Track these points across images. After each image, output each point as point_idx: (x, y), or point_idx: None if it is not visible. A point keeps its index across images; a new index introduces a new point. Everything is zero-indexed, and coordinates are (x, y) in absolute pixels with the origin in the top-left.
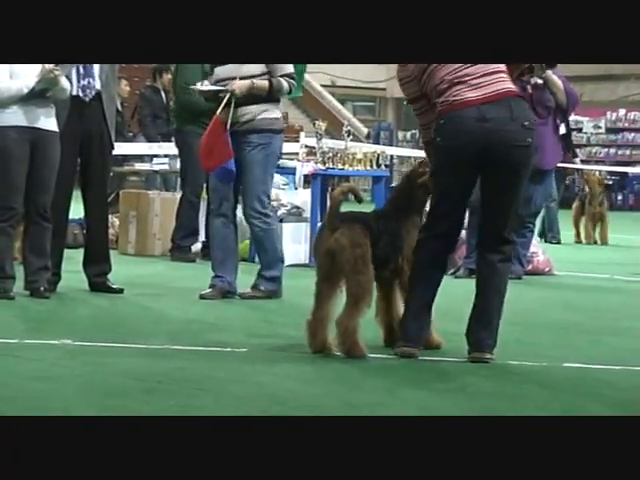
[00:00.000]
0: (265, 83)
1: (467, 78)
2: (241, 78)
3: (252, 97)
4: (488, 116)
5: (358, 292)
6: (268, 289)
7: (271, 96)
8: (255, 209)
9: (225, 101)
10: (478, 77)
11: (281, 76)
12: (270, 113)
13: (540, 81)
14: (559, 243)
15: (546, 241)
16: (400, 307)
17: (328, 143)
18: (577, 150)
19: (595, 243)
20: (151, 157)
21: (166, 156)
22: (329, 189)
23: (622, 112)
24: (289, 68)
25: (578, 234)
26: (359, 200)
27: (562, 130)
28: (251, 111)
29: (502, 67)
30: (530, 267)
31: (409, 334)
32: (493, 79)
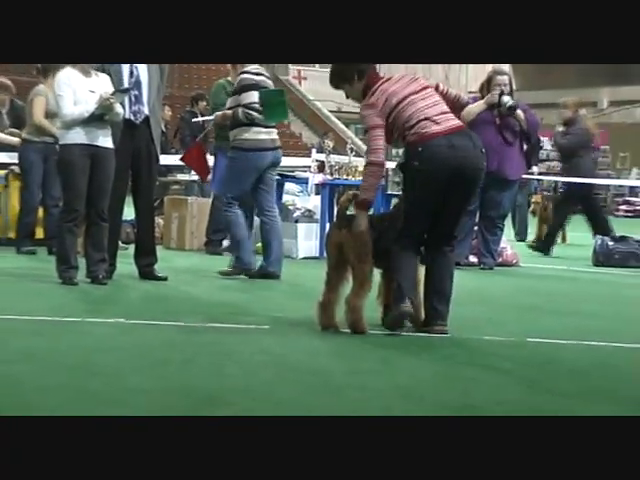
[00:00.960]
0: (230, 113)
1: (429, 115)
2: (229, 108)
3: (229, 123)
4: (456, 144)
5: (362, 278)
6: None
7: (236, 122)
8: (222, 200)
9: (208, 127)
10: (437, 115)
11: (242, 106)
12: (240, 135)
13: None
14: (523, 241)
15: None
16: None
17: (335, 158)
18: (537, 165)
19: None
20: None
21: None
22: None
23: None
24: (247, 99)
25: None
26: None
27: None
28: (231, 133)
29: (448, 110)
30: (500, 259)
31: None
32: (448, 117)
